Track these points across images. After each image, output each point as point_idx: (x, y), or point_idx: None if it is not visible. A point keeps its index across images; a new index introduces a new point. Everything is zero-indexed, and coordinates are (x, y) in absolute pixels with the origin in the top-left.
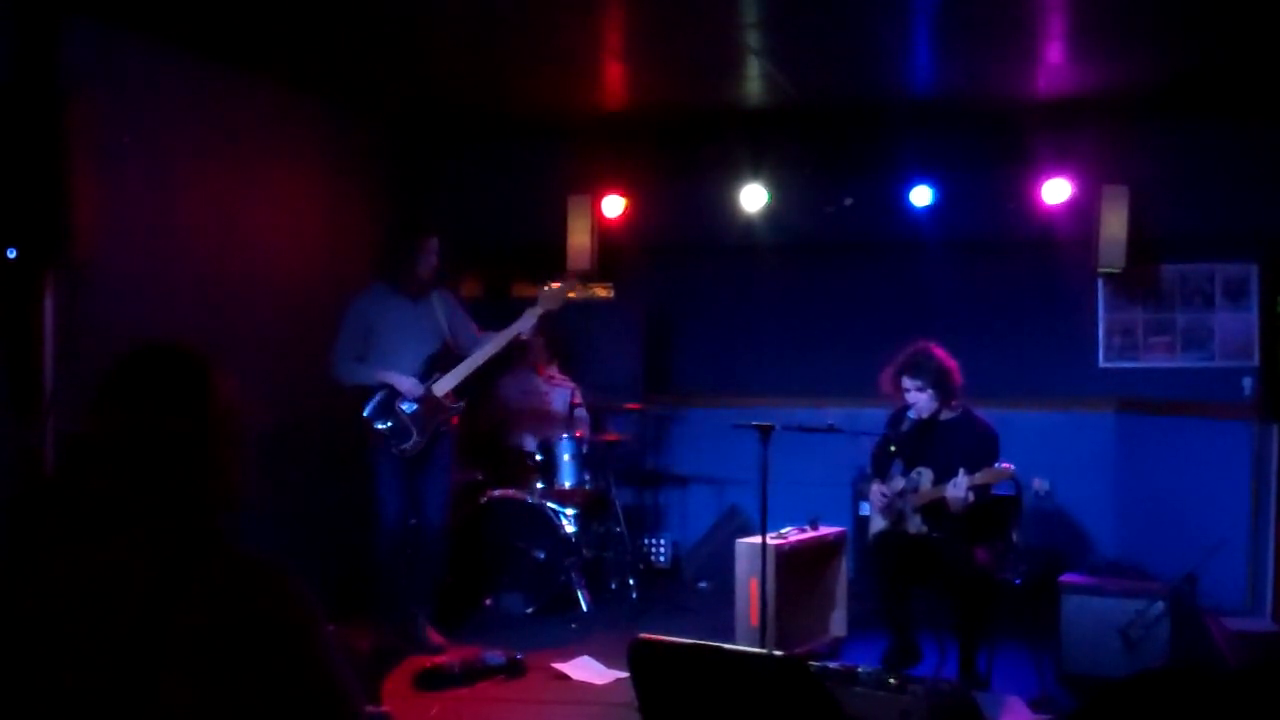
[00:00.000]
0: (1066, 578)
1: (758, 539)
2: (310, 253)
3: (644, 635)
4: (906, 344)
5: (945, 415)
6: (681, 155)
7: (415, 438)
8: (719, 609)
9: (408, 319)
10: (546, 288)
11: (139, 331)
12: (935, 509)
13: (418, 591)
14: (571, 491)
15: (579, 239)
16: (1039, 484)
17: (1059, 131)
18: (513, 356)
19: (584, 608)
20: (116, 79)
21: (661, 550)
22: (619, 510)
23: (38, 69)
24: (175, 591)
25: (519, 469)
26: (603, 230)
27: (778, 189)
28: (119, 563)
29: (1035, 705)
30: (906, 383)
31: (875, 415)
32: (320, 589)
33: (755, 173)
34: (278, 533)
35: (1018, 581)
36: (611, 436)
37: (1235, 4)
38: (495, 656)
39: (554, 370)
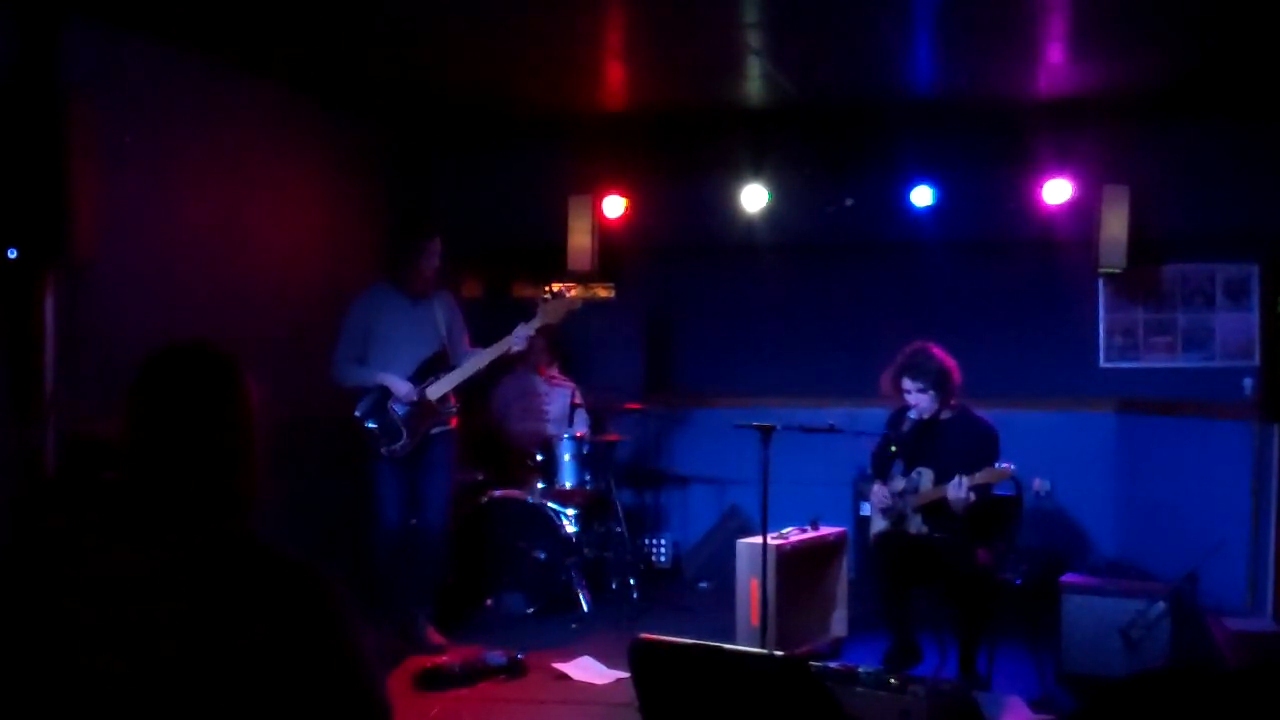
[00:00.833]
0: (1067, 578)
1: (758, 539)
2: (310, 253)
3: (645, 635)
4: (907, 344)
5: (944, 415)
6: (682, 155)
7: (404, 439)
8: (719, 609)
9: (407, 321)
10: (547, 300)
11: (139, 332)
12: (936, 509)
13: (418, 592)
14: (572, 492)
15: (580, 239)
16: (1039, 484)
17: (1060, 132)
18: (513, 357)
19: (585, 608)
20: (117, 80)
21: (662, 550)
22: (619, 510)
23: (39, 69)
24: (214, 593)
25: (519, 469)
26: (603, 230)
27: (778, 189)
28: (158, 563)
29: (1036, 705)
30: (907, 384)
31: (876, 415)
32: None
33: (756, 173)
34: (278, 533)
35: (1018, 581)
36: (612, 436)
37: (1235, 4)
38: (496, 656)
39: (554, 370)
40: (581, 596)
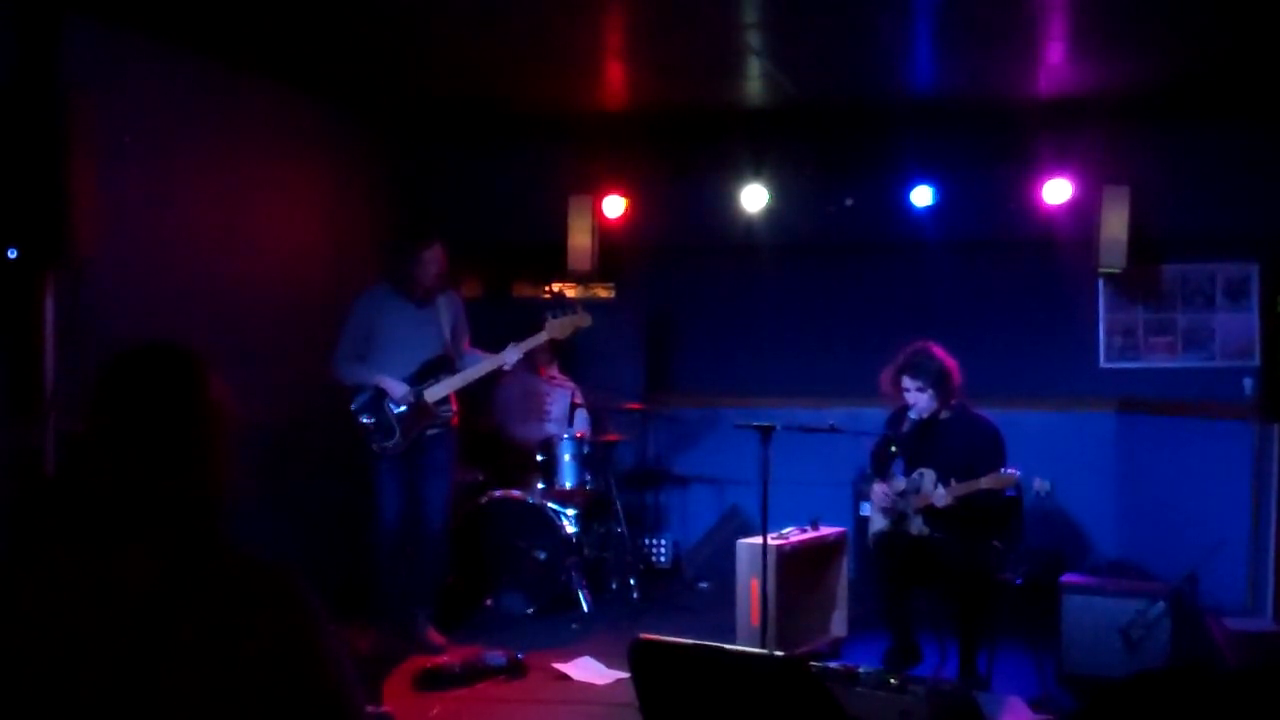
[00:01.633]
0: (1067, 578)
1: (758, 539)
2: (310, 252)
3: (645, 635)
4: (907, 344)
5: (944, 414)
6: (682, 155)
7: (397, 438)
8: (720, 609)
9: (408, 322)
10: (555, 315)
11: (139, 331)
12: (936, 510)
13: (418, 592)
14: (572, 492)
15: (580, 239)
16: (1040, 484)
17: (1060, 132)
18: None
19: (585, 608)
20: (117, 79)
21: (662, 550)
22: (620, 510)
23: (39, 69)
24: (179, 593)
25: (520, 469)
26: (604, 230)
27: (779, 189)
28: (121, 565)
29: (1036, 705)
30: (907, 383)
31: (876, 415)
32: (321, 589)
33: (756, 173)
34: (278, 532)
35: (1018, 582)
36: (612, 436)
37: (1235, 4)
38: (496, 656)
39: (555, 370)
40: (581, 596)
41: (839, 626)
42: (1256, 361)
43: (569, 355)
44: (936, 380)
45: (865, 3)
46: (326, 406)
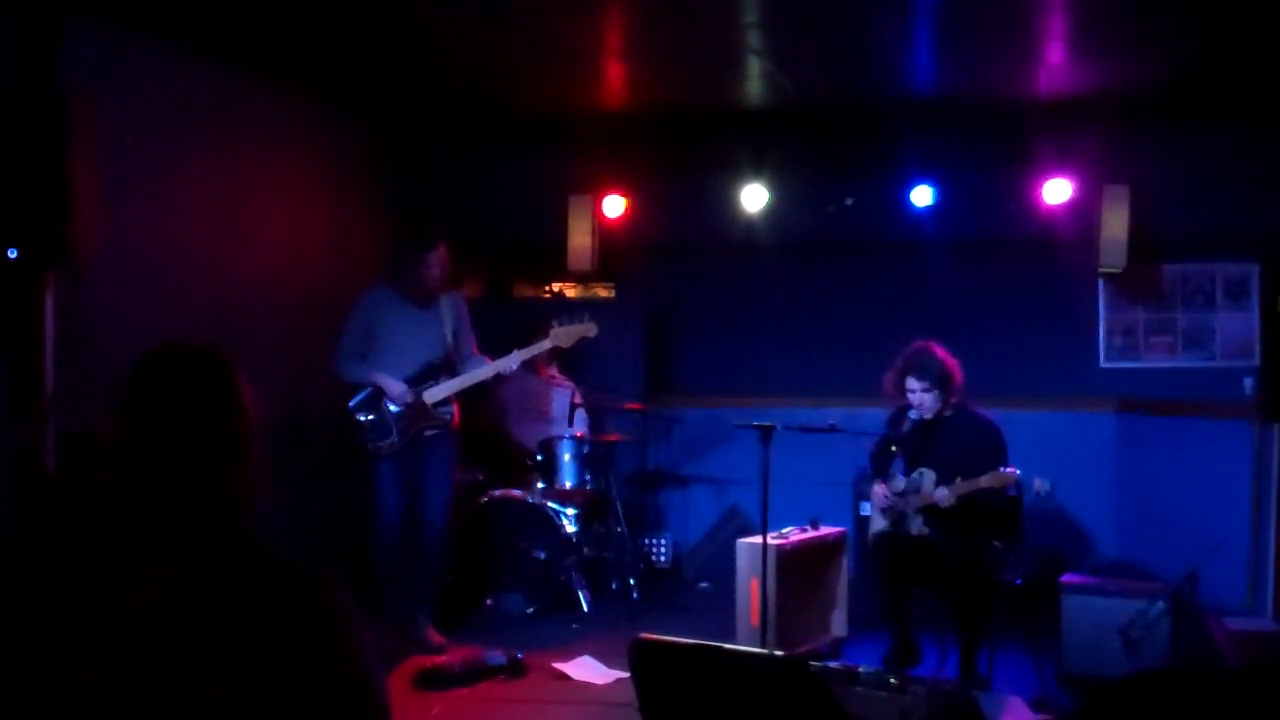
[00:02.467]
0: (1067, 578)
1: (758, 539)
2: (310, 252)
3: (645, 635)
4: (907, 344)
5: (946, 414)
6: (682, 155)
7: (394, 438)
8: (720, 609)
9: (410, 322)
10: (558, 328)
11: (140, 332)
12: (937, 510)
13: (418, 591)
14: (572, 491)
15: (580, 239)
16: (1040, 484)
17: (1060, 131)
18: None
19: (585, 608)
20: (118, 79)
21: (662, 550)
22: (620, 510)
23: (39, 69)
24: (217, 597)
25: (519, 469)
26: (604, 230)
27: (779, 189)
28: (159, 568)
29: (1036, 705)
30: (912, 383)
31: (876, 415)
32: None
33: (756, 172)
34: (278, 532)
35: (1018, 582)
36: (612, 436)
37: (1235, 4)
38: (496, 656)
39: (554, 370)
40: (581, 596)
41: (839, 626)
42: (1257, 361)
43: (569, 355)
44: (941, 380)
45: (865, 3)
46: (327, 406)
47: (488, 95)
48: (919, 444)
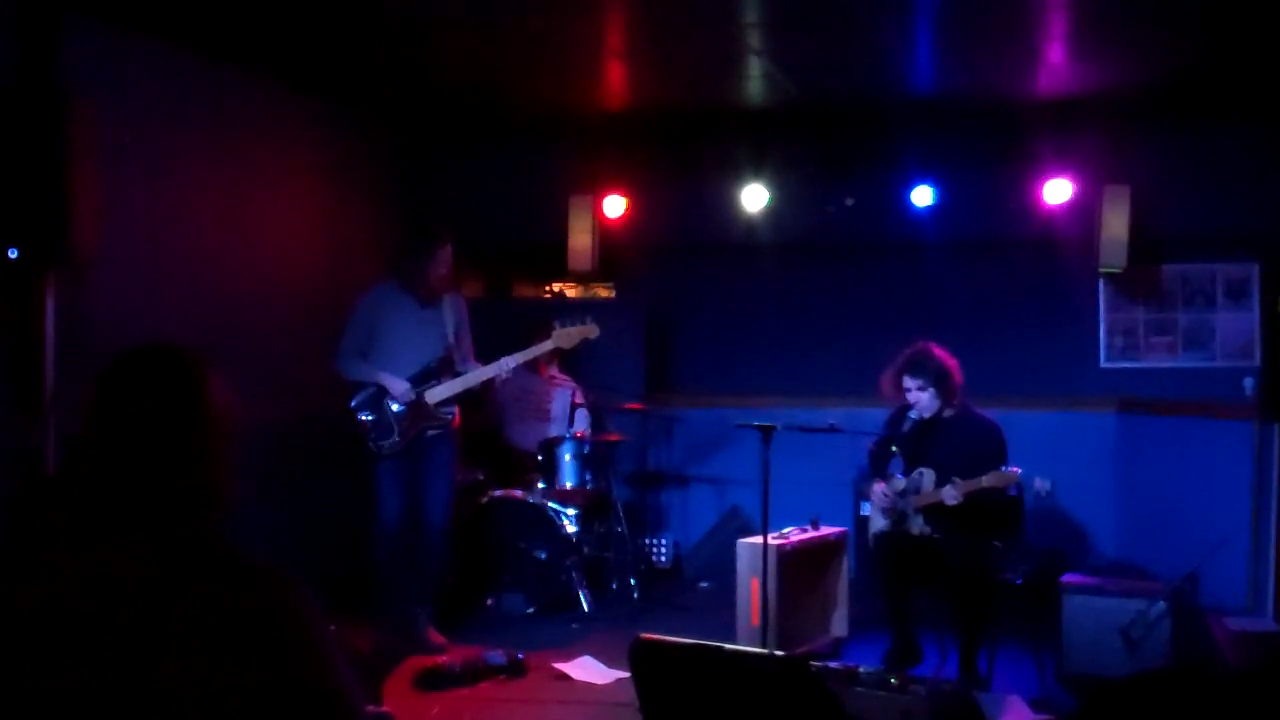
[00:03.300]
0: (1067, 578)
1: (759, 539)
2: (311, 252)
3: (645, 635)
4: (908, 344)
5: (946, 414)
6: (683, 155)
7: (395, 437)
8: (720, 609)
9: (413, 321)
10: (560, 329)
11: (140, 331)
12: (937, 509)
13: (419, 591)
14: (573, 491)
15: (580, 239)
16: (1040, 484)
17: (1060, 131)
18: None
19: (585, 608)
20: (118, 79)
21: (662, 550)
22: (620, 510)
23: (40, 69)
24: (174, 592)
25: (520, 469)
26: (604, 230)
27: (779, 189)
28: (118, 563)
29: (1036, 705)
30: (908, 382)
31: (876, 415)
32: (322, 588)
33: (756, 173)
34: (279, 532)
35: (1019, 581)
36: (613, 436)
37: (1235, 4)
38: (496, 656)
39: (555, 370)
40: (582, 596)
41: (839, 626)
42: (1257, 361)
43: (569, 355)
44: (937, 379)
45: (866, 3)
46: (327, 405)
47: (488, 95)
48: (919, 444)
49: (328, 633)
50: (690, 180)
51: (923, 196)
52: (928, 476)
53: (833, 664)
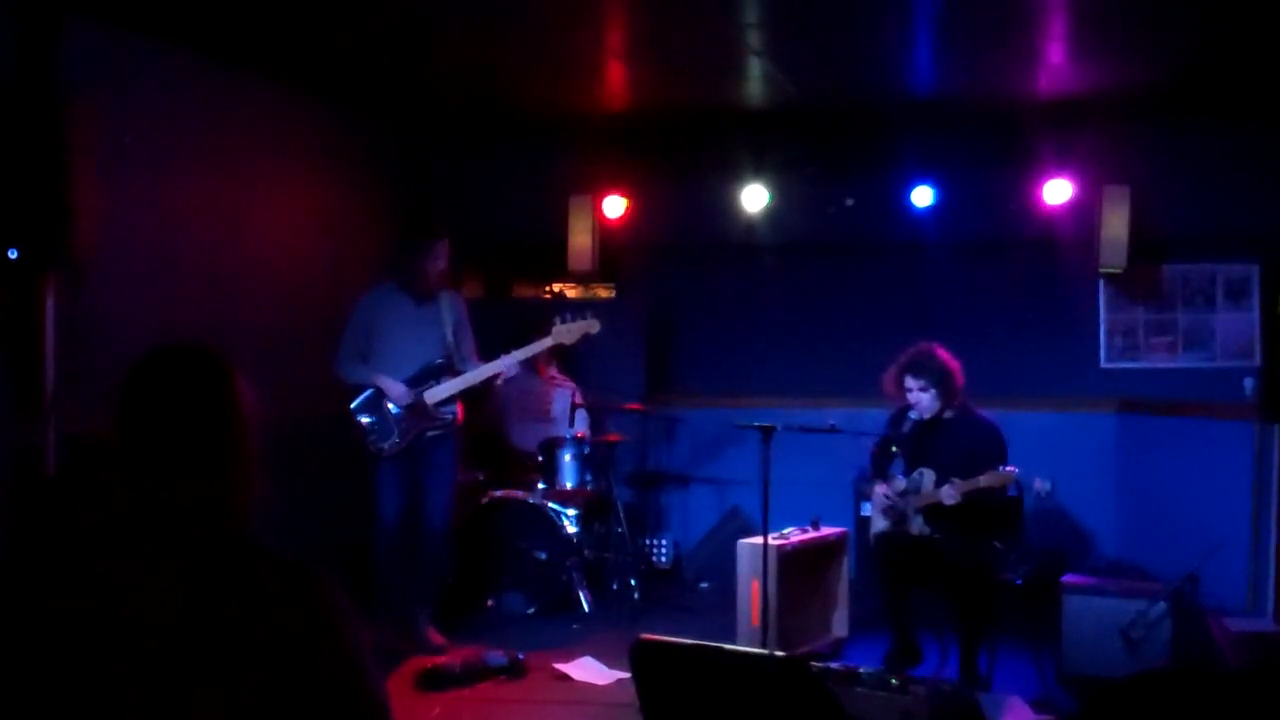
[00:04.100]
0: (1068, 578)
1: (759, 539)
2: (310, 252)
3: (645, 636)
4: (908, 344)
5: (947, 415)
6: (683, 156)
7: (395, 439)
8: (720, 609)
9: (411, 321)
10: (561, 325)
11: (140, 331)
12: (938, 510)
13: (419, 592)
14: (573, 492)
15: (580, 239)
16: (1040, 484)
17: (1060, 132)
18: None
19: (585, 608)
20: (117, 79)
21: (663, 551)
22: (620, 511)
23: (39, 69)
24: (214, 598)
25: (520, 469)
26: (604, 230)
27: (779, 189)
28: (155, 569)
29: (1036, 706)
30: (909, 382)
31: (877, 416)
32: None
33: (756, 173)
34: (279, 532)
35: (1019, 582)
36: (613, 437)
37: (1236, 4)
38: (497, 657)
39: (555, 370)
40: (582, 597)
41: (840, 627)
42: (1257, 362)
43: (569, 355)
44: (939, 380)
45: (866, 3)
46: (327, 406)
47: (488, 95)
48: (919, 444)
49: (362, 635)
50: (690, 180)
51: (923, 197)
52: (928, 477)
53: (833, 664)
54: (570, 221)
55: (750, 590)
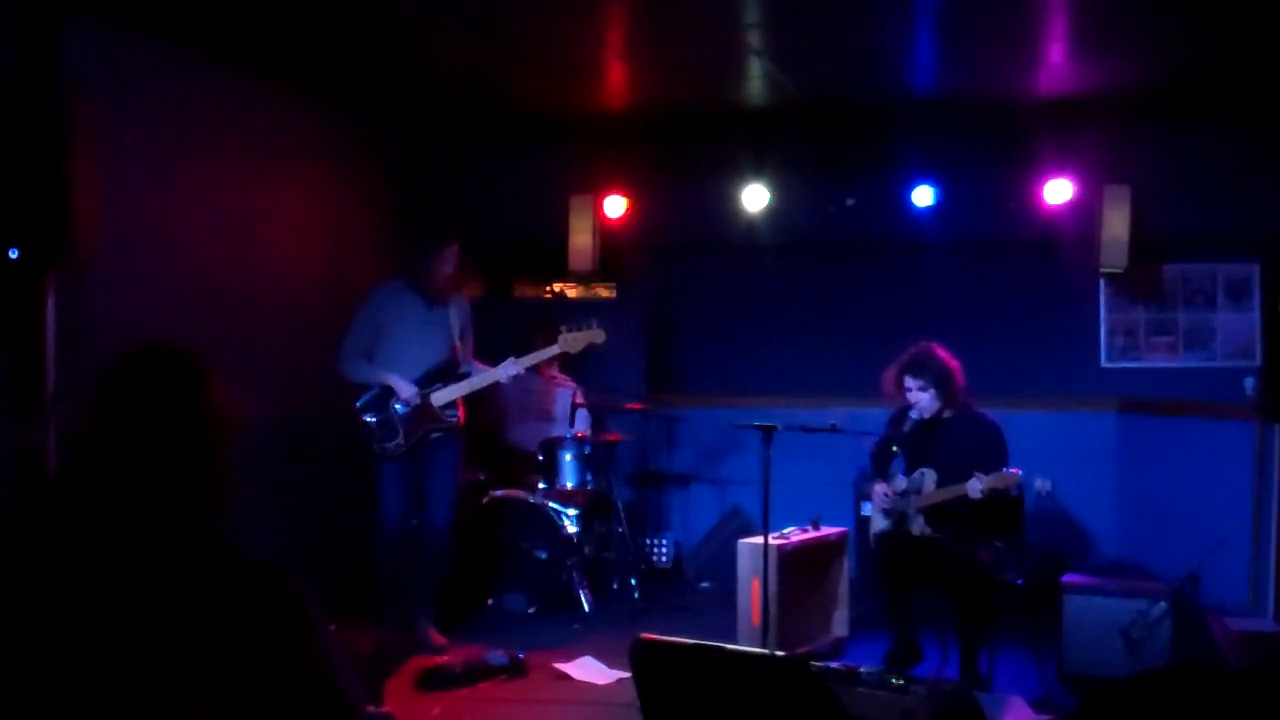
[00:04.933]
0: (1068, 578)
1: (760, 539)
2: (311, 252)
3: (646, 635)
4: (909, 344)
5: (947, 414)
6: (683, 155)
7: (399, 439)
8: (721, 609)
9: (418, 322)
10: (567, 334)
11: (141, 331)
12: (939, 509)
13: (420, 592)
14: (573, 491)
15: (581, 239)
16: (1041, 484)
17: (1061, 131)
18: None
19: (586, 608)
20: (118, 78)
21: (663, 550)
22: (621, 510)
23: (40, 68)
24: (173, 592)
25: (521, 469)
26: (605, 230)
27: (780, 189)
28: (117, 563)
29: (1037, 705)
30: (909, 382)
31: (877, 415)
32: (323, 589)
33: (757, 173)
34: (280, 532)
35: (1020, 582)
36: (613, 436)
37: (1236, 4)
38: (497, 656)
39: (556, 370)
40: (583, 596)
41: (840, 626)
42: (1258, 361)
43: (571, 356)
44: (939, 380)
45: (866, 3)
46: (329, 405)
47: (488, 95)
48: (920, 444)
49: (327, 633)
50: (691, 180)
51: (923, 196)
52: (929, 477)
53: (833, 664)
54: (571, 221)
55: (751, 590)
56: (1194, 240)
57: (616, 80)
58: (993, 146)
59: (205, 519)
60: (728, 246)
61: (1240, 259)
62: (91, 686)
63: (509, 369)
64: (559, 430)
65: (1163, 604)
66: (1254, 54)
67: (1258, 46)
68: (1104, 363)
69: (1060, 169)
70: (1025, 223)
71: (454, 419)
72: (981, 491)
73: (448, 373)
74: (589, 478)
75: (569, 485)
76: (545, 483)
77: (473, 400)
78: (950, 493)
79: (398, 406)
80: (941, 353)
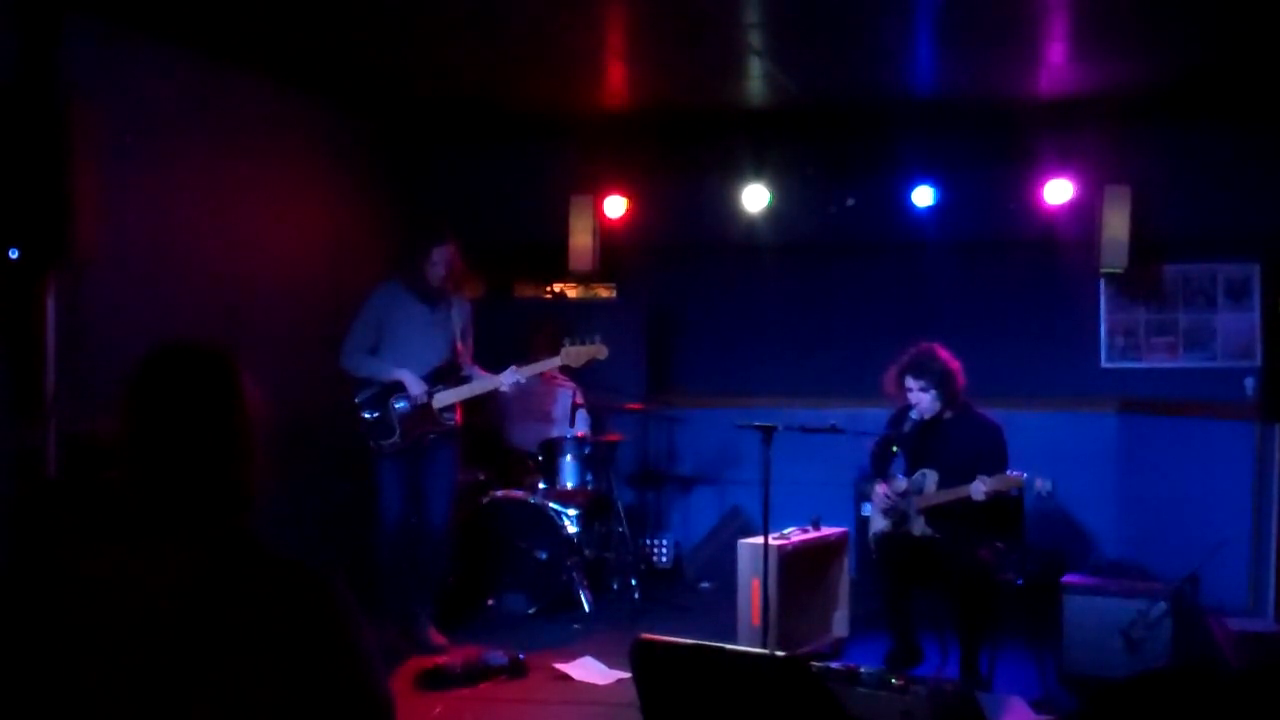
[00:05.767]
0: (1068, 578)
1: (760, 539)
2: (311, 251)
3: (646, 636)
4: (909, 344)
5: (947, 415)
6: (684, 155)
7: (396, 438)
8: (721, 609)
9: (421, 322)
10: (569, 347)
11: (140, 332)
12: (939, 510)
13: (420, 591)
14: (573, 492)
15: (581, 239)
16: (1041, 484)
17: (1061, 132)
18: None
19: (586, 608)
20: (118, 79)
21: (663, 551)
22: (621, 510)
23: (40, 69)
24: (217, 594)
25: (521, 469)
26: (605, 230)
27: (780, 189)
28: (159, 564)
29: (1037, 706)
30: (910, 383)
31: (877, 415)
32: None
33: (757, 173)
34: (280, 532)
35: (1020, 582)
36: (613, 437)
37: (1236, 4)
38: (497, 657)
39: (555, 371)
40: (583, 597)
41: (840, 627)
42: (1258, 362)
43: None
44: (939, 381)
45: (866, 3)
46: (329, 405)
47: (489, 95)
48: (920, 444)
49: (365, 632)
50: (691, 180)
51: (923, 196)
52: (930, 477)
53: (834, 664)
54: (571, 221)
55: (751, 590)
56: (1194, 240)
57: (616, 80)
58: (993, 147)
59: (240, 516)
60: (728, 247)
61: (1240, 259)
62: (141, 686)
63: (510, 377)
64: (559, 430)
65: (1163, 604)
66: (1254, 54)
67: (1258, 47)
68: (1104, 363)
69: (1060, 169)
70: (1025, 223)
71: (451, 422)
72: (985, 494)
73: (449, 374)
74: (589, 478)
75: (569, 485)
76: (545, 483)
77: (472, 401)
78: (953, 494)
79: (397, 405)
80: (943, 353)
